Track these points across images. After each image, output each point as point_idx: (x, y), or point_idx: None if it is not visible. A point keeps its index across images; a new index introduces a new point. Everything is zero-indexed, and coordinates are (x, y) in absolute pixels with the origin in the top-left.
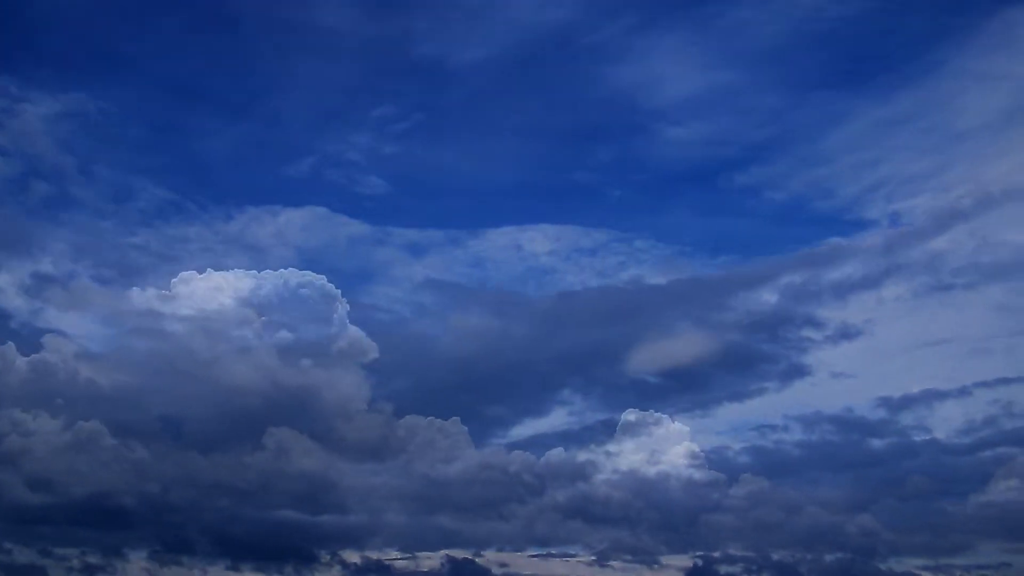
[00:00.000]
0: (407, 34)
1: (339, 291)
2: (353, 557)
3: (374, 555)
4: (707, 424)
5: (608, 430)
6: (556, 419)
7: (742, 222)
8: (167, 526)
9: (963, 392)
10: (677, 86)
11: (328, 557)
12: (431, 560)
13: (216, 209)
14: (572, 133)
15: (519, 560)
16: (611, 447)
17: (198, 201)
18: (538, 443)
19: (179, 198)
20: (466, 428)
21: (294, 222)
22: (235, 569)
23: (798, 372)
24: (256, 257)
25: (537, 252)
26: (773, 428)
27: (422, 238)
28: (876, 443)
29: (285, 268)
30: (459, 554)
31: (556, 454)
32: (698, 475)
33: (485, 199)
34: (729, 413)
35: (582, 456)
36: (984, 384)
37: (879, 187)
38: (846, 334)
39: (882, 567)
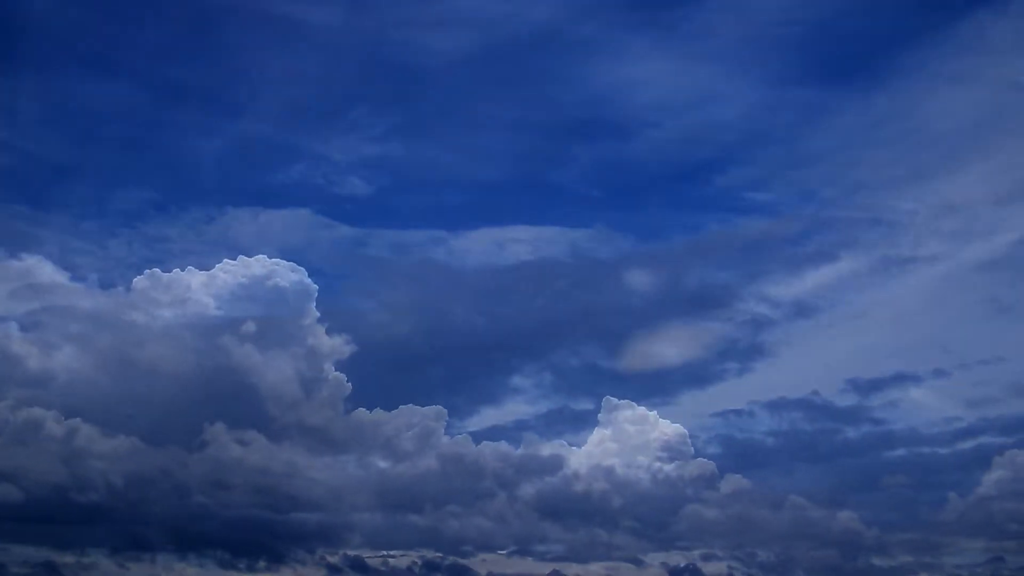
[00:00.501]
0: (385, 34)
1: (315, 285)
2: (325, 554)
3: (342, 552)
4: (670, 412)
5: (569, 419)
6: (512, 408)
7: (724, 222)
8: (129, 522)
9: (939, 374)
10: (657, 86)
11: (303, 554)
12: (406, 557)
13: (197, 210)
14: (551, 133)
15: (496, 559)
16: (584, 437)
17: (179, 202)
18: (500, 434)
19: (160, 198)
20: (444, 421)
21: (275, 223)
22: (200, 567)
23: (758, 353)
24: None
25: (519, 252)
26: (738, 414)
27: (403, 239)
28: (851, 432)
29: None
30: (430, 554)
31: (525, 446)
32: (671, 468)
33: (466, 200)
34: (691, 400)
35: (551, 448)
36: (963, 365)
37: (860, 188)
38: (802, 311)
39: (868, 564)
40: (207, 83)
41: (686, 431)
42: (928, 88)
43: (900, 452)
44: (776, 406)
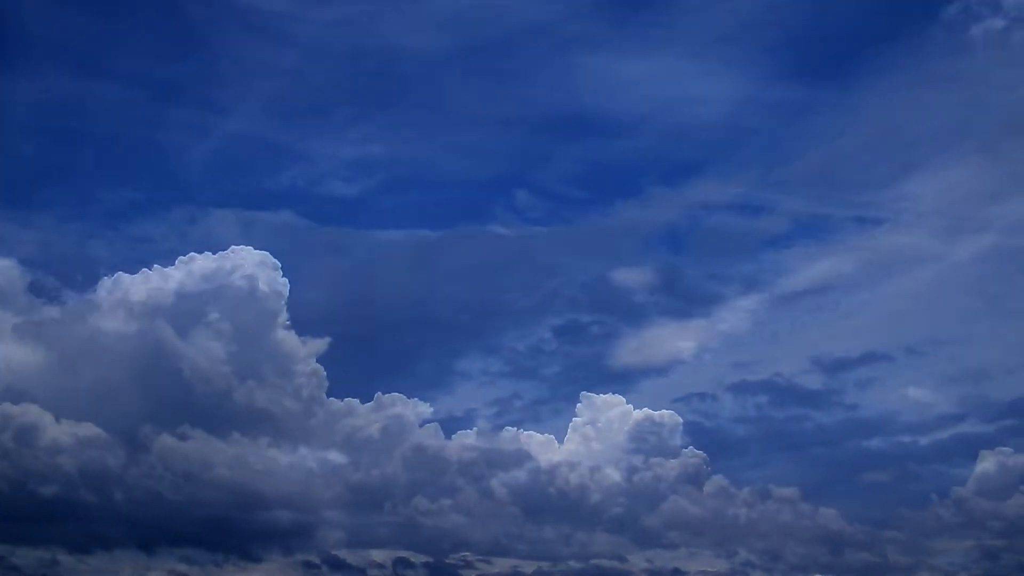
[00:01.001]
0: (369, 33)
1: (284, 278)
2: (297, 552)
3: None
4: (632, 400)
5: (536, 407)
6: (461, 396)
7: (708, 222)
8: (100, 519)
9: (911, 352)
10: (641, 85)
11: (276, 552)
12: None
13: (180, 210)
14: (534, 133)
15: (477, 557)
16: (553, 427)
17: (162, 202)
18: (453, 424)
19: (143, 199)
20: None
21: (258, 224)
22: (170, 564)
23: (715, 332)
24: None
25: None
26: (701, 397)
27: (387, 239)
28: (822, 418)
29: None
30: (407, 552)
31: (501, 439)
32: (639, 461)
33: (449, 199)
34: (652, 385)
35: (528, 441)
36: (938, 343)
37: (845, 187)
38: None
39: (861, 564)
40: (192, 84)
41: (680, 420)
42: (907, 88)
43: (877, 442)
44: (738, 389)
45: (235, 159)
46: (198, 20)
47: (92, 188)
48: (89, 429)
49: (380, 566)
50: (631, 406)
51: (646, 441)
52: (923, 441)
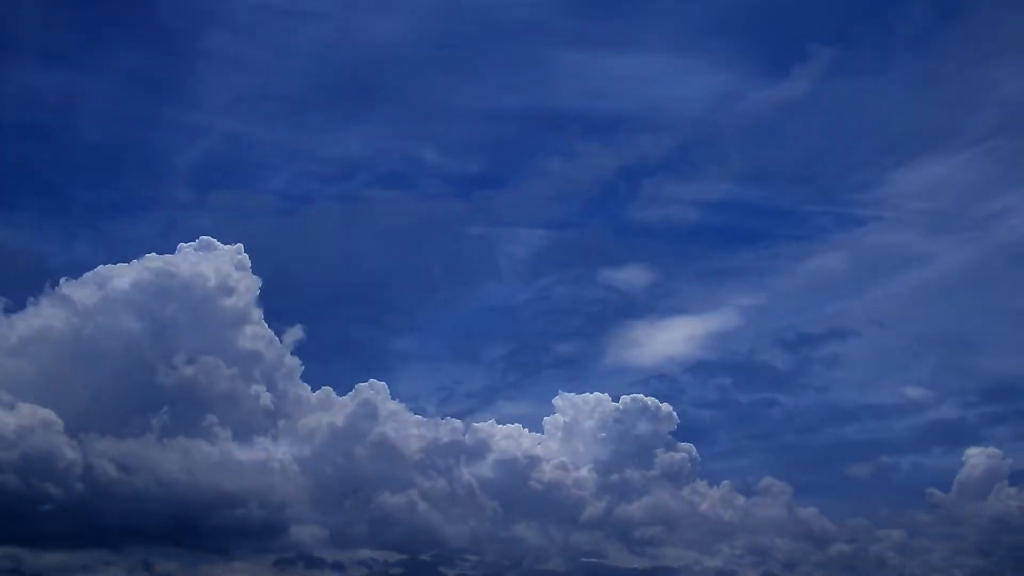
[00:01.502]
0: (353, 26)
1: (254, 272)
2: (275, 550)
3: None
4: (590, 384)
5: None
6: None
7: (691, 221)
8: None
9: (879, 325)
10: (624, 80)
11: (249, 550)
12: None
13: (161, 208)
14: (513, 131)
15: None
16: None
17: (142, 200)
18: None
19: (123, 197)
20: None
21: (242, 221)
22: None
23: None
24: None
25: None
26: (660, 379)
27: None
28: (790, 401)
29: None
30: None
31: (475, 432)
32: (608, 455)
33: (429, 197)
34: (605, 366)
35: (511, 435)
36: (911, 319)
37: (828, 184)
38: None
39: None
40: (173, 80)
41: (675, 414)
42: (894, 84)
43: (853, 429)
44: (698, 369)
45: (216, 155)
46: (178, 18)
47: (71, 186)
48: (52, 422)
49: (359, 563)
50: (615, 403)
51: (628, 434)
52: (897, 426)
